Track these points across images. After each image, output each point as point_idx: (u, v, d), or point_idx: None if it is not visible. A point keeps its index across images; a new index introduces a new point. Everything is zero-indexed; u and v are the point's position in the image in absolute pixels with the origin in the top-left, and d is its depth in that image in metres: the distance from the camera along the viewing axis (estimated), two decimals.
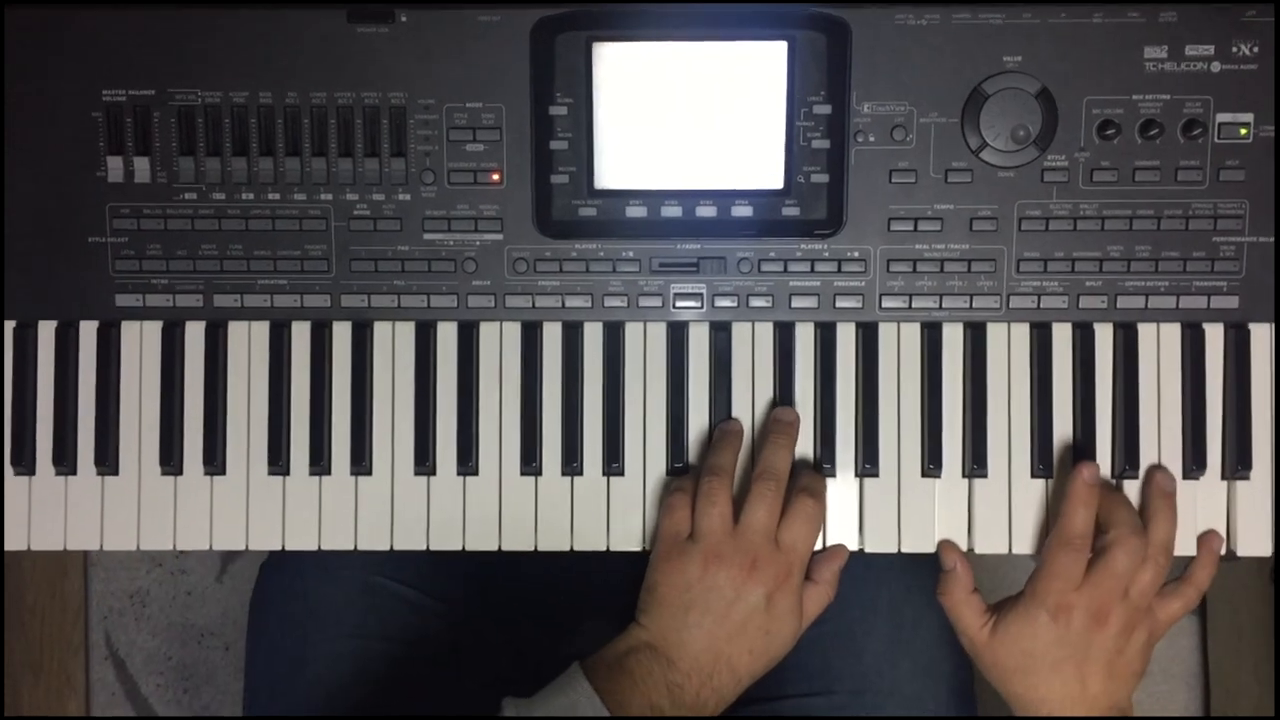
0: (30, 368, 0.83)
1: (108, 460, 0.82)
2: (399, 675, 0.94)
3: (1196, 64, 0.79)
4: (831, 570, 0.81)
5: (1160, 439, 0.81)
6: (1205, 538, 0.82)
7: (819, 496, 0.79)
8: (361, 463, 0.82)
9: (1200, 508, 0.82)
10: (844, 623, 0.91)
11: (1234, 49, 0.78)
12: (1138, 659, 0.79)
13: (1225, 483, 0.82)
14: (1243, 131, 0.79)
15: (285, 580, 0.96)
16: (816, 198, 0.81)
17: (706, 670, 0.76)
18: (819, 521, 0.80)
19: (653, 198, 0.81)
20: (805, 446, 0.82)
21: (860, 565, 0.87)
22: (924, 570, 0.87)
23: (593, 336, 0.83)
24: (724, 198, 0.81)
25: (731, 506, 0.78)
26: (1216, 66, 0.79)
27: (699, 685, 0.76)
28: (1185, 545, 0.81)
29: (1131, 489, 0.81)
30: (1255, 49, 0.78)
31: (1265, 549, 0.82)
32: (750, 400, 0.82)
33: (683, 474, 0.82)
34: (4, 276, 0.82)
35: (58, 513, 0.83)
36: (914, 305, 0.81)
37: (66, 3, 0.79)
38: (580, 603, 1.02)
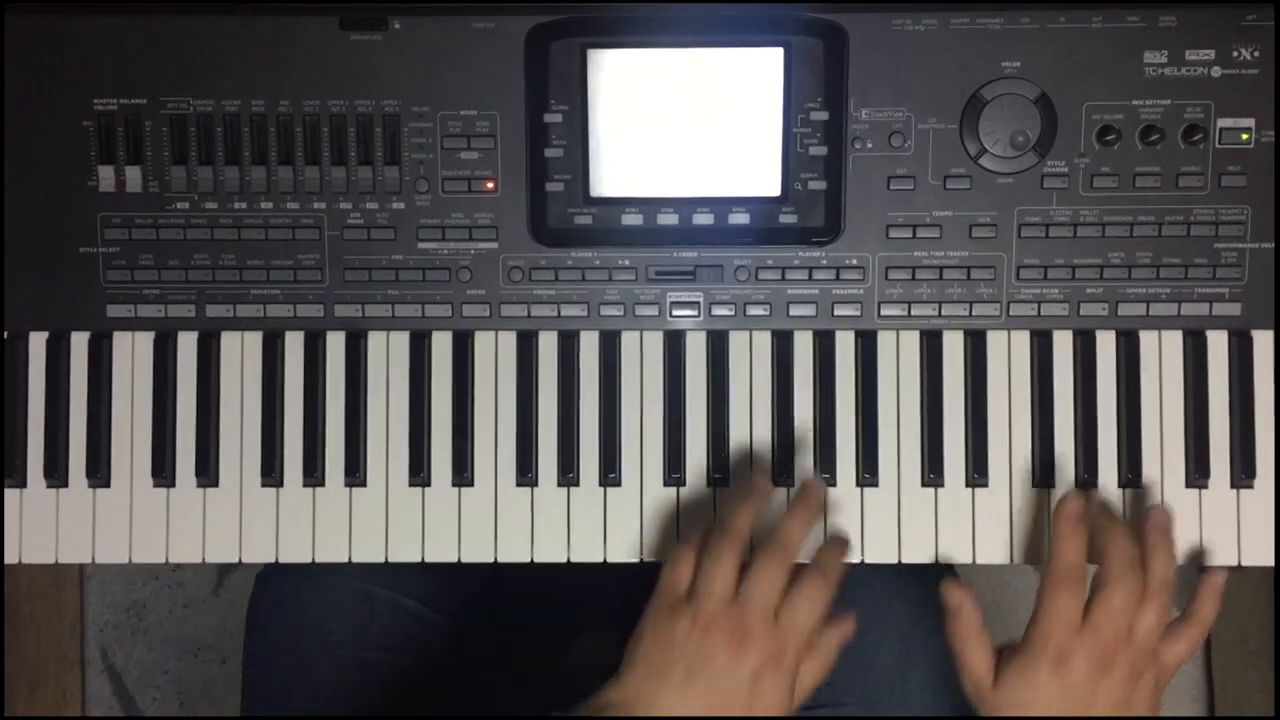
0: (21, 379, 0.82)
1: (99, 472, 0.82)
2: (396, 685, 0.93)
3: (1197, 69, 0.78)
4: (834, 642, 0.77)
5: (1163, 448, 0.81)
6: (1207, 575, 0.78)
7: (830, 578, 0.74)
8: (356, 474, 0.81)
9: (1204, 517, 0.81)
10: (855, 635, 0.90)
11: (1234, 53, 0.78)
12: (1145, 706, 0.74)
13: (1231, 492, 0.81)
14: (1244, 137, 0.78)
15: (281, 591, 0.95)
16: (814, 205, 0.81)
17: None
18: (826, 604, 0.74)
19: (649, 205, 0.81)
20: (805, 457, 0.81)
21: (871, 576, 0.85)
22: (936, 582, 0.85)
23: (589, 346, 0.82)
24: (721, 205, 0.81)
25: (737, 571, 0.73)
26: (1217, 71, 0.78)
27: None
28: (1191, 555, 0.80)
29: (1134, 498, 0.81)
30: (1256, 53, 0.78)
31: (1269, 558, 0.81)
32: (748, 410, 0.82)
33: (679, 485, 0.81)
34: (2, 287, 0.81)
35: (49, 526, 0.82)
36: (913, 313, 0.80)
37: (58, 11, 0.79)
38: (578, 614, 1.01)
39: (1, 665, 1.40)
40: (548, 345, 0.82)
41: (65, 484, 0.82)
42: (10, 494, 0.82)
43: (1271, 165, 0.78)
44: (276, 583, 0.96)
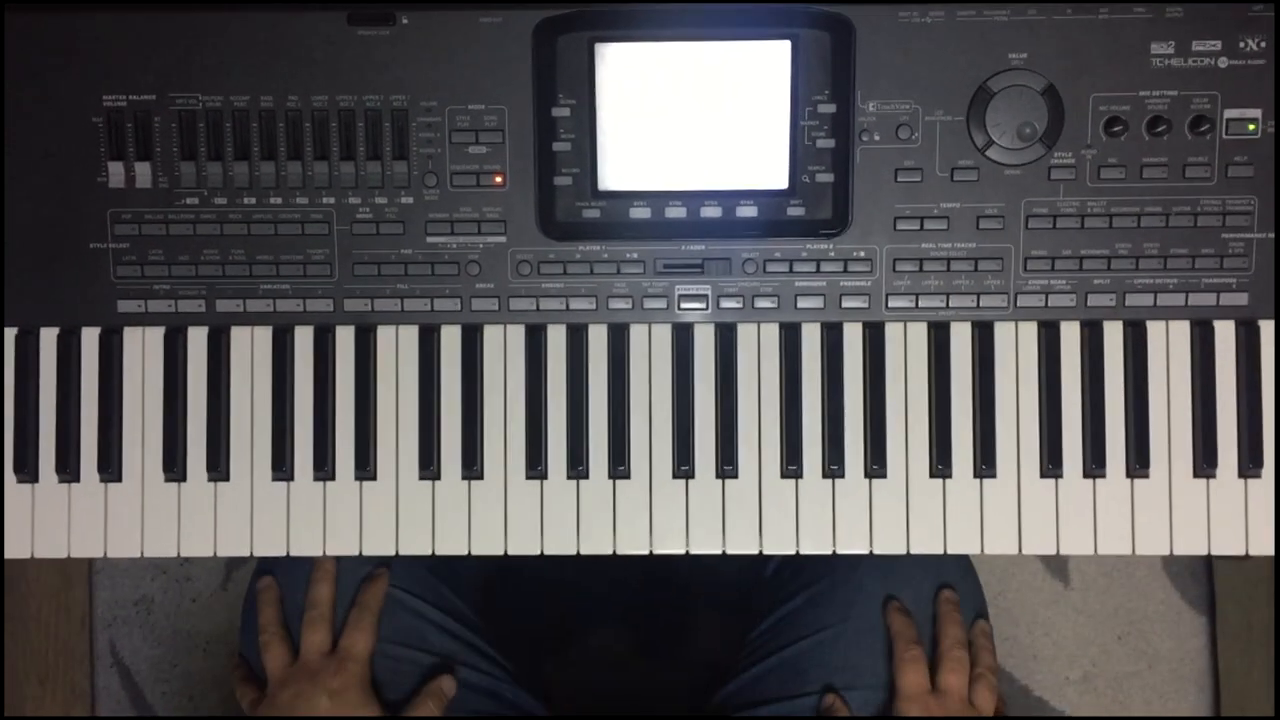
0: (32, 375, 0.82)
1: (111, 467, 0.82)
2: (400, 680, 0.93)
3: (1204, 60, 0.78)
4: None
5: (1170, 438, 0.81)
6: (976, 624, 0.95)
7: (370, 607, 0.93)
8: (365, 468, 0.82)
9: (1212, 507, 0.81)
10: (835, 627, 0.93)
11: (1241, 44, 0.78)
12: None
13: (1239, 481, 0.81)
14: (1251, 127, 0.78)
15: (279, 586, 0.96)
16: (822, 197, 0.81)
17: None
18: (365, 629, 0.92)
19: (657, 199, 0.81)
20: (813, 448, 0.81)
21: (846, 568, 0.89)
22: (906, 567, 0.92)
23: (597, 339, 0.82)
24: (728, 198, 0.81)
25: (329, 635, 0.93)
26: (1224, 62, 0.78)
27: None
28: (1197, 545, 0.81)
29: (1141, 488, 0.81)
30: (1262, 44, 0.78)
31: (1272, 548, 0.81)
32: (756, 402, 0.82)
33: (689, 477, 0.81)
34: (3, 283, 0.81)
35: (61, 520, 0.82)
36: (921, 305, 0.81)
37: (67, 8, 0.79)
38: (586, 609, 1.02)
39: (3, 657, 1.40)
40: (556, 339, 0.82)
41: (77, 479, 0.82)
42: (22, 489, 0.82)
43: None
44: (273, 577, 0.97)
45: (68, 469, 0.82)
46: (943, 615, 0.93)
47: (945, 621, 0.93)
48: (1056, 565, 1.43)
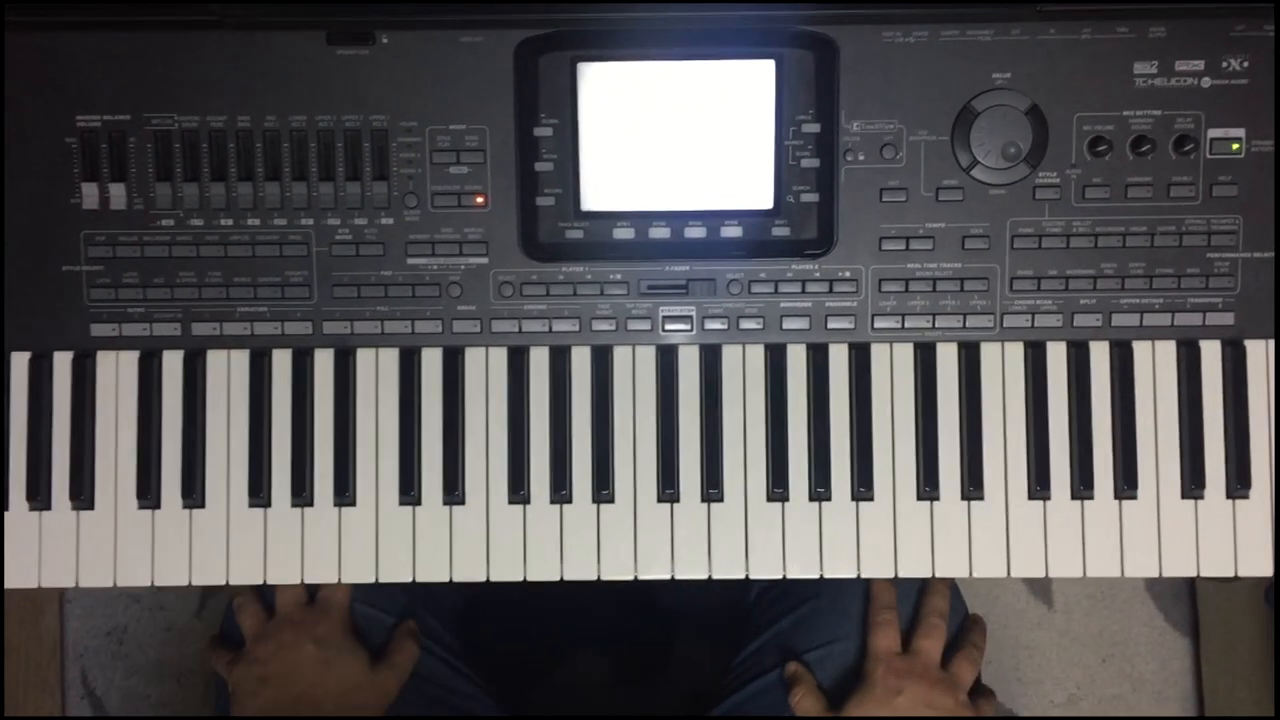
0: (3, 400, 0.80)
1: (83, 494, 0.80)
2: (371, 636, 0.94)
3: (1187, 79, 0.78)
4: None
5: (1158, 458, 0.80)
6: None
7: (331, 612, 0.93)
8: (345, 494, 0.80)
9: (1200, 528, 0.80)
10: (822, 648, 0.93)
11: (1224, 64, 0.78)
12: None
13: (1227, 502, 0.80)
14: (1234, 147, 0.78)
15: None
16: (807, 217, 0.80)
17: None
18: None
19: (640, 219, 0.80)
20: (799, 471, 0.80)
21: (831, 591, 0.91)
22: None
23: (581, 361, 0.81)
24: (713, 218, 0.80)
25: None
26: (1207, 82, 0.78)
27: None
28: (1186, 566, 0.80)
29: (1129, 510, 0.80)
30: (1245, 64, 0.78)
31: (1266, 568, 0.80)
32: (741, 424, 0.81)
33: (674, 501, 0.80)
34: None
35: (31, 549, 0.81)
36: (907, 325, 0.80)
37: (41, 27, 0.78)
38: (570, 632, 1.01)
39: None
40: (539, 361, 0.81)
41: (48, 506, 0.81)
42: None
43: (1262, 175, 0.78)
44: None
45: (38, 497, 0.80)
46: (928, 589, 0.93)
47: (928, 594, 0.93)
48: (1040, 588, 1.42)
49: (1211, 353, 0.80)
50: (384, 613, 0.95)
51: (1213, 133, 0.78)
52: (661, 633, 1.32)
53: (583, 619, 1.01)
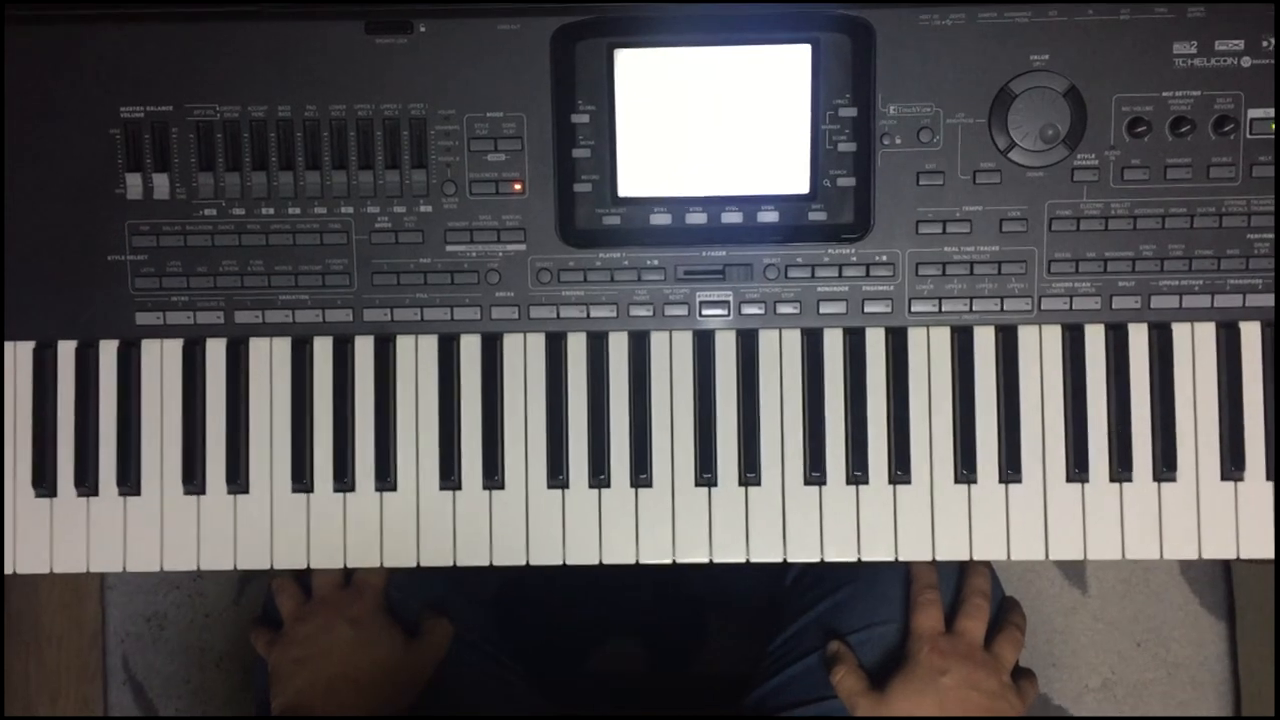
0: (50, 388, 0.82)
1: (129, 481, 0.81)
2: (404, 616, 0.95)
3: (1226, 59, 0.78)
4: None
5: (1197, 440, 0.80)
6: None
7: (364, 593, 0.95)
8: (386, 479, 0.81)
9: (1240, 511, 0.80)
10: (862, 632, 0.92)
11: (1264, 43, 0.77)
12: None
13: (1267, 484, 0.80)
14: (1275, 126, 0.78)
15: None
16: (843, 201, 0.80)
17: None
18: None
19: (677, 205, 0.80)
20: (836, 455, 0.81)
21: (868, 574, 0.89)
22: None
23: (618, 346, 0.81)
24: (749, 203, 0.80)
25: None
26: (1247, 61, 0.78)
27: None
28: (1225, 548, 0.80)
29: (1168, 492, 0.80)
30: None
31: None
32: (779, 409, 0.81)
33: (711, 485, 0.81)
34: (3, 296, 0.81)
35: (80, 534, 0.82)
36: (944, 309, 0.80)
37: (84, 19, 0.79)
38: (602, 619, 1.01)
39: (4, 670, 1.39)
40: (577, 347, 0.81)
41: (95, 493, 0.82)
42: (41, 503, 0.82)
43: None
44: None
45: (86, 483, 0.82)
46: (969, 569, 0.93)
47: (970, 574, 0.93)
48: (1074, 573, 1.42)
49: (1251, 334, 0.80)
50: (418, 599, 0.96)
51: (1253, 113, 0.78)
52: (692, 620, 1.33)
53: (614, 607, 1.01)
